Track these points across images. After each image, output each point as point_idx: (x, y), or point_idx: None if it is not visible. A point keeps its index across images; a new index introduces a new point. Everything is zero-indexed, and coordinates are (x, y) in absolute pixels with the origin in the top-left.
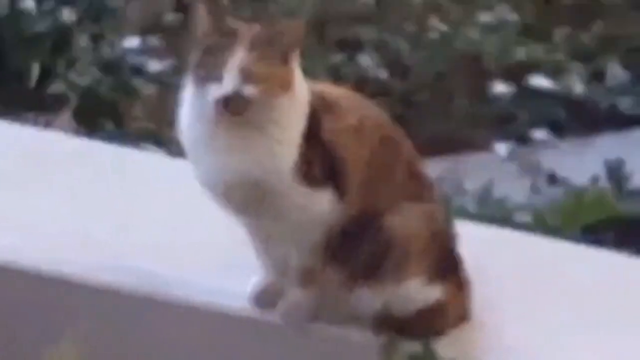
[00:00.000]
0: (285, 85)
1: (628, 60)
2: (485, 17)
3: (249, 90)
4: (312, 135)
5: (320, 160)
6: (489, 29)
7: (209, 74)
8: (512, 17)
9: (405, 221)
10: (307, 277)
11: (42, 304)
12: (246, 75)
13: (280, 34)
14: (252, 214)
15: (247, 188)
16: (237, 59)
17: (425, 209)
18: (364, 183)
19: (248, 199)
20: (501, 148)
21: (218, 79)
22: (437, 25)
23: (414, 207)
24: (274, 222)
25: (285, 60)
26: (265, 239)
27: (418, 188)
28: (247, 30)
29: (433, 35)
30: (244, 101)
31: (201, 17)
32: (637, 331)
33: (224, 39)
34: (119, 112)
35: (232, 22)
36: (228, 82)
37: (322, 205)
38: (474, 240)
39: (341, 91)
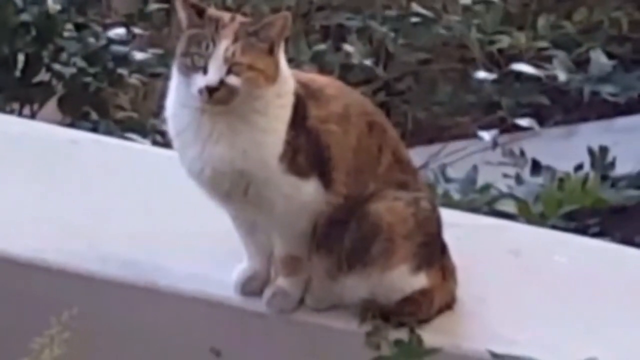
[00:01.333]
0: (271, 77)
1: (611, 48)
2: (467, 2)
3: (234, 80)
4: (298, 124)
5: (306, 149)
6: (472, 15)
7: (194, 63)
8: (496, 2)
9: (390, 208)
10: (292, 266)
11: (26, 292)
12: (231, 66)
13: (266, 25)
14: (237, 203)
15: (233, 177)
16: (222, 49)
17: (410, 196)
18: (350, 170)
19: (234, 188)
20: (485, 135)
21: (203, 68)
22: (419, 10)
23: (400, 194)
24: (259, 211)
25: (271, 51)
26: (251, 228)
27: (403, 175)
28: (231, 21)
29: (416, 21)
30: (229, 91)
31: (184, 7)
32: (621, 317)
33: (208, 29)
34: (104, 101)
35: (214, 12)
36: (213, 72)
37: (308, 193)
38: (458, 228)
39: (326, 79)
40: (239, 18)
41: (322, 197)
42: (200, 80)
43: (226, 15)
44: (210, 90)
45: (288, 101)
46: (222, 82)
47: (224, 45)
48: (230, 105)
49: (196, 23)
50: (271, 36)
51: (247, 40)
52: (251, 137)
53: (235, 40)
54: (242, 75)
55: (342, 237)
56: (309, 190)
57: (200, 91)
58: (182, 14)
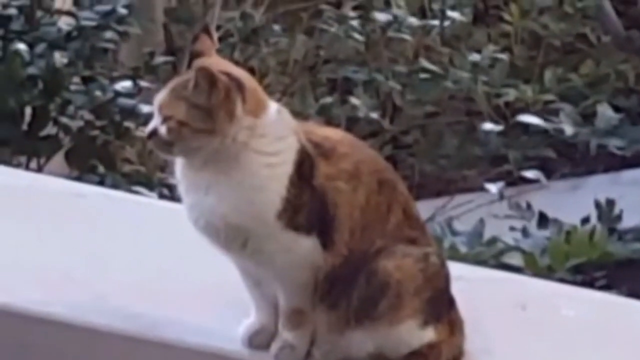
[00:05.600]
0: (204, 130)
1: (618, 101)
2: (475, 58)
3: (162, 129)
4: (303, 181)
5: (309, 208)
6: (479, 69)
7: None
8: (502, 57)
9: (399, 266)
10: (297, 319)
11: (32, 345)
12: (163, 116)
13: (194, 78)
14: (237, 256)
15: (228, 231)
16: (159, 97)
17: (420, 251)
18: (356, 229)
19: (230, 241)
20: (492, 188)
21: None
22: (427, 66)
23: (409, 250)
24: (259, 265)
25: (208, 104)
26: (257, 280)
27: (412, 231)
28: (188, 72)
29: (423, 75)
30: (160, 139)
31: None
32: None
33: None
34: (111, 155)
35: (197, 64)
36: (152, 121)
37: (306, 248)
38: (465, 281)
39: (340, 136)
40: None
41: (320, 256)
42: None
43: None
44: (149, 137)
45: (283, 159)
46: (155, 131)
47: (159, 96)
48: (174, 154)
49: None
50: (202, 91)
51: (179, 93)
52: (240, 194)
53: (171, 91)
54: (172, 125)
55: (346, 293)
56: (308, 245)
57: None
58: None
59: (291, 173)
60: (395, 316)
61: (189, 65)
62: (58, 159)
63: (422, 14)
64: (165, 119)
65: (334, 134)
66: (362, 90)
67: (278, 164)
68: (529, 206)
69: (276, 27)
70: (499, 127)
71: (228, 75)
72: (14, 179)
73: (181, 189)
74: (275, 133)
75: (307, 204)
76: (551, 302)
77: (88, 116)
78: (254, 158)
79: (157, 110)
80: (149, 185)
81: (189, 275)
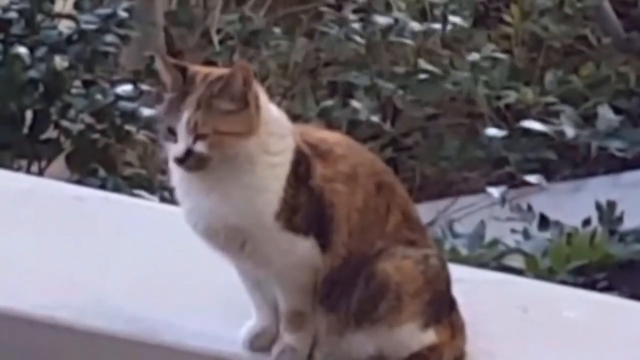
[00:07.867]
0: (242, 133)
1: (618, 103)
2: (474, 57)
3: (200, 147)
4: (300, 182)
5: (306, 209)
6: (478, 69)
7: (167, 131)
8: (501, 57)
9: (399, 268)
10: (297, 321)
11: (33, 349)
12: (196, 133)
13: (226, 83)
14: (235, 258)
15: (227, 232)
16: (185, 120)
17: (419, 253)
18: (354, 231)
19: (229, 242)
20: (494, 192)
21: (174, 137)
22: (427, 67)
23: (409, 252)
24: (257, 266)
25: (242, 104)
26: (257, 282)
27: (412, 233)
28: (202, 81)
29: (423, 76)
30: (198, 158)
31: (167, 69)
32: None
33: (180, 93)
34: (112, 158)
35: (192, 71)
36: (181, 142)
37: (305, 250)
38: (466, 283)
39: (337, 138)
40: (212, 75)
41: (318, 257)
42: (173, 150)
43: (201, 74)
44: (181, 160)
45: (283, 159)
46: (190, 151)
47: (186, 116)
48: (207, 170)
49: (177, 86)
50: (235, 92)
51: (210, 105)
52: (243, 195)
53: (198, 107)
54: (207, 141)
55: (346, 295)
56: (306, 246)
57: (174, 162)
58: (165, 77)
59: (288, 173)
60: (395, 318)
61: (184, 80)
62: (59, 163)
63: (422, 16)
64: (202, 136)
65: (330, 136)
66: (362, 93)
67: (279, 164)
68: (529, 208)
69: (276, 30)
70: (502, 132)
71: None
72: (15, 183)
73: (179, 194)
74: (278, 131)
75: (304, 204)
76: (552, 304)
77: (89, 119)
78: (261, 158)
79: (185, 130)
80: (150, 188)
81: (190, 278)
